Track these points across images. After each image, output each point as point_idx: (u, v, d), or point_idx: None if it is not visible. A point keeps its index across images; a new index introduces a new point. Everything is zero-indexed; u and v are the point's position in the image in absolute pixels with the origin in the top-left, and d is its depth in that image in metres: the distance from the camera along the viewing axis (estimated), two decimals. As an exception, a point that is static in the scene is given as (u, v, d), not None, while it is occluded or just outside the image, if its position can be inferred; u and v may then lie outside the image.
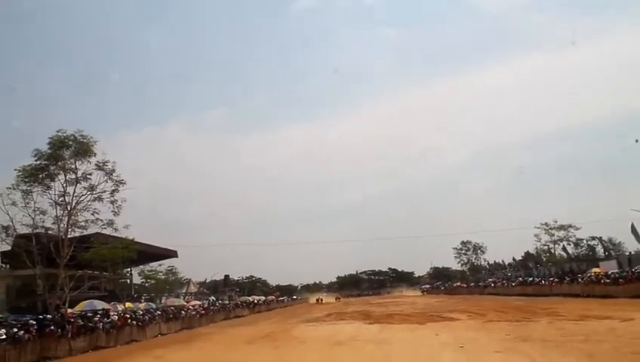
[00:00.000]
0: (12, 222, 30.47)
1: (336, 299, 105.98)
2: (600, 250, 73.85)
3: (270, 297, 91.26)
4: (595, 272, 47.39)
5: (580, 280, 47.55)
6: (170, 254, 58.17)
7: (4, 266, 42.08)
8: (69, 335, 25.68)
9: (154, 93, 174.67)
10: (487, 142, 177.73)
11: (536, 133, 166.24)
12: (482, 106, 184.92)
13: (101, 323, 28.79)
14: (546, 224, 67.77)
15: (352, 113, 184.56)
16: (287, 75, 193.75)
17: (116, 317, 30.84)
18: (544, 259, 72.42)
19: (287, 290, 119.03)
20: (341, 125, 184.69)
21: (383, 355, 17.39)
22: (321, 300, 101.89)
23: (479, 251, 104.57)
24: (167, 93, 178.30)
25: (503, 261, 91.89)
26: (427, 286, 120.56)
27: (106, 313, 31.26)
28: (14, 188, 30.54)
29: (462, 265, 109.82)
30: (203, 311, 48.02)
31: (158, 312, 37.91)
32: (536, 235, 69.89)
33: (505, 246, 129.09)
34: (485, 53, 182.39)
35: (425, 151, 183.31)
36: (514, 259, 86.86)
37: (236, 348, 23.92)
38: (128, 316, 32.57)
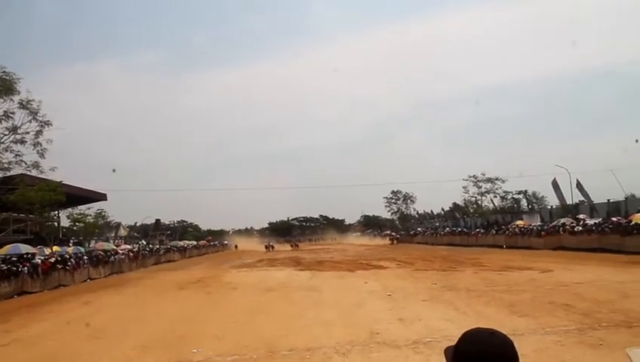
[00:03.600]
0: None
1: (292, 246, 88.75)
2: (524, 203, 76.72)
3: (202, 242, 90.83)
4: (519, 224, 49.30)
5: (505, 231, 49.37)
6: (100, 197, 56.94)
7: None
8: (-9, 280, 25.01)
9: (85, 27, 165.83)
10: (424, 95, 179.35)
11: (472, 88, 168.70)
12: (420, 58, 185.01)
13: (25, 268, 28.09)
14: (474, 176, 69.74)
15: (289, 59, 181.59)
16: (226, 15, 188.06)
17: (39, 261, 30.13)
18: (471, 210, 74.60)
19: (219, 235, 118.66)
20: (278, 71, 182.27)
21: (313, 301, 17.64)
22: (272, 247, 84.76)
23: (409, 201, 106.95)
24: (99, 27, 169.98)
25: (431, 211, 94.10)
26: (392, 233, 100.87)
27: (31, 257, 30.49)
28: None
29: (392, 213, 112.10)
30: (133, 256, 47.58)
31: (85, 257, 37.23)
32: (464, 187, 71.93)
33: (434, 197, 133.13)
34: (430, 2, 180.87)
35: (361, 100, 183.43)
36: (442, 209, 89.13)
37: (168, 293, 23.80)
38: (53, 260, 31.88)
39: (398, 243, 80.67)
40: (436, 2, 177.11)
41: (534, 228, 45.06)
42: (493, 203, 71.20)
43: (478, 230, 58.62)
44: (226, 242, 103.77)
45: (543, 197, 77.00)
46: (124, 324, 15.20)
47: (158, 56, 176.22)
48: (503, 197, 73.64)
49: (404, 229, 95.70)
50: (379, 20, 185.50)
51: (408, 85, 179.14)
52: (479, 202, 72.73)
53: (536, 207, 72.81)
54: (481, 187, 70.29)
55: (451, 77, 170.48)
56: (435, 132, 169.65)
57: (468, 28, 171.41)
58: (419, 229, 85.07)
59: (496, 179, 69.34)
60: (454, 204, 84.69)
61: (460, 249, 49.92)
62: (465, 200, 75.93)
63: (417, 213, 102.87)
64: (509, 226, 51.03)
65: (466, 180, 70.65)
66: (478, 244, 52.31)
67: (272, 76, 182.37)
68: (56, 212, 51.69)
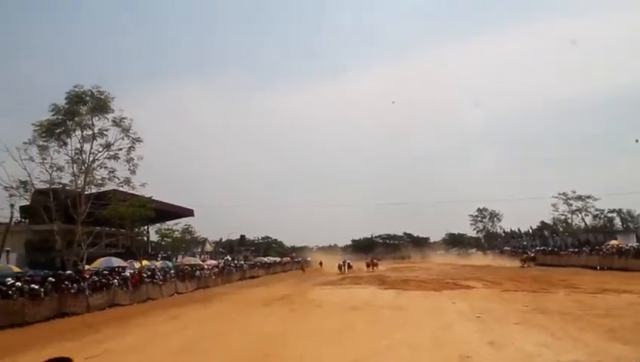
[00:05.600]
0: (30, 177, 30.59)
1: (368, 265, 65.77)
2: (618, 222, 73.26)
3: (285, 258, 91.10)
4: (614, 244, 46.93)
5: (599, 251, 47.12)
6: (187, 213, 58.36)
7: (23, 221, 42.32)
8: (87, 292, 25.87)
9: (171, 50, 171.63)
10: (508, 110, 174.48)
11: (559, 102, 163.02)
12: (504, 72, 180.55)
13: (116, 280, 28.99)
14: (564, 194, 67.08)
15: (369, 74, 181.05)
16: (305, 33, 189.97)
17: (128, 274, 31.08)
18: (561, 229, 71.82)
19: (302, 251, 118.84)
20: (359, 86, 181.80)
21: (399, 322, 17.25)
22: (349, 267, 63.70)
23: (495, 219, 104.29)
24: (184, 50, 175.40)
25: (519, 229, 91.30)
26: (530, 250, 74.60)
27: (122, 270, 31.50)
28: (31, 144, 30.61)
29: (477, 232, 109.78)
30: (218, 271, 48.30)
31: (173, 271, 38.11)
32: (553, 205, 69.16)
33: (521, 215, 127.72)
34: (511, 16, 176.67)
35: (444, 116, 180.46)
36: (530, 228, 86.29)
37: (253, 310, 23.93)
38: (141, 273, 32.76)
39: (535, 264, 57.22)
40: (515, 16, 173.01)
41: (632, 248, 42.67)
42: (585, 221, 68.25)
43: (569, 250, 56.22)
44: (309, 259, 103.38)
45: (639, 215, 73.37)
46: (211, 339, 15.31)
47: (237, 75, 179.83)
48: (595, 216, 70.52)
49: (491, 248, 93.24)
50: (461, 35, 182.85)
51: (492, 99, 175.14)
52: (569, 221, 69.82)
53: (631, 226, 69.42)
54: (571, 205, 67.42)
55: (536, 90, 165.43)
56: (521, 148, 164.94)
57: (552, 40, 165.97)
58: (506, 248, 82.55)
59: (588, 197, 66.40)
60: (542, 222, 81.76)
61: (550, 269, 48.00)
62: (554, 218, 73.05)
63: (504, 231, 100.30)
64: (604, 246, 48.70)
65: (556, 198, 67.96)
66: (569, 264, 50.12)
67: (352, 90, 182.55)
68: (146, 227, 53.31)
